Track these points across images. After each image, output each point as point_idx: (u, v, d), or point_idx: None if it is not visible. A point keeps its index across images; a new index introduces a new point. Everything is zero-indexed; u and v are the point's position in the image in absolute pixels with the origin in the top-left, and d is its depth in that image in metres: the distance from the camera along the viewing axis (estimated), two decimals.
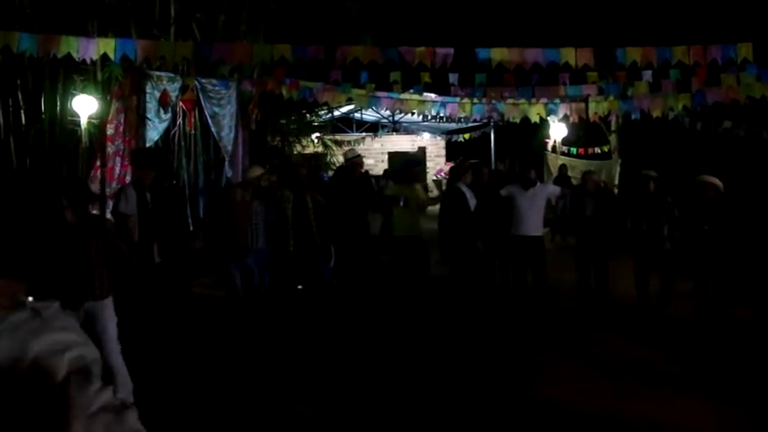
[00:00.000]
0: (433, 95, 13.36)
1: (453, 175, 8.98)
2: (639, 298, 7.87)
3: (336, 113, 21.43)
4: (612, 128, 19.48)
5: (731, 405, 5.11)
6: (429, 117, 21.49)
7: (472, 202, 8.20)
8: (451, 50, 8.58)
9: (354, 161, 9.13)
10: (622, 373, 5.90)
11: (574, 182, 13.51)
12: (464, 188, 8.25)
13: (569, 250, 9.48)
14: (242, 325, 7.38)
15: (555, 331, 7.35)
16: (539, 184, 8.58)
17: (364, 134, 24.34)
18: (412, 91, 12.44)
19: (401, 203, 8.32)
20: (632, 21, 21.02)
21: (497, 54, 8.71)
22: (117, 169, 10.02)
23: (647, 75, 10.68)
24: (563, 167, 16.04)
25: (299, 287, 9.02)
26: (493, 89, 11.14)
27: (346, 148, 17.62)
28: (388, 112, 23.23)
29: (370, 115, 24.06)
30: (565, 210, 12.09)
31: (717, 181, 7.45)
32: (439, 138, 27.05)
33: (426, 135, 26.73)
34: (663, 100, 11.51)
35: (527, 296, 8.23)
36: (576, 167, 17.17)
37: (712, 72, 10.52)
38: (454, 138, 26.36)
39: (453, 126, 25.19)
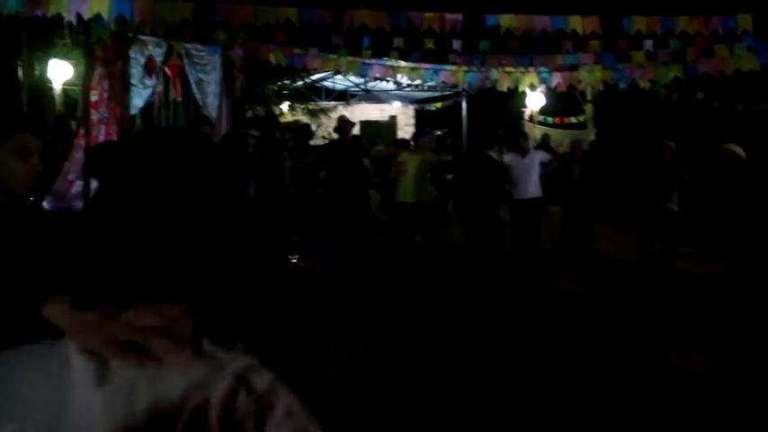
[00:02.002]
0: (402, 63, 13.13)
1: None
2: (643, 259, 8.36)
3: (306, 81, 20.94)
4: (588, 98, 19.57)
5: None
6: (403, 85, 21.32)
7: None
8: (460, 16, 8.39)
9: (343, 118, 9.08)
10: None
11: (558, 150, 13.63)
12: (497, 156, 8.40)
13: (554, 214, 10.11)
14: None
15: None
16: (532, 150, 9.39)
17: (334, 102, 23.84)
18: (386, 59, 12.24)
19: (402, 170, 8.23)
20: None
21: (506, 21, 8.56)
22: (102, 138, 9.61)
23: (648, 44, 10.61)
24: (546, 137, 16.05)
25: (294, 259, 8.85)
26: (492, 56, 11.00)
27: (324, 117, 17.39)
28: (359, 80, 22.87)
29: (339, 83, 23.64)
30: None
31: (739, 149, 7.59)
32: (410, 106, 26.77)
33: (397, 104, 26.41)
34: (655, 70, 11.49)
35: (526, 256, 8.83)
36: (555, 137, 17.26)
37: (708, 43, 10.57)
38: (426, 107, 26.12)
39: (424, 95, 24.92)
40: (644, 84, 12.23)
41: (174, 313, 0.82)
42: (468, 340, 5.98)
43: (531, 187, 8.85)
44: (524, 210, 8.78)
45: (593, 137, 19.00)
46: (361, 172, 9.01)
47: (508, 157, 8.88)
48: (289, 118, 16.60)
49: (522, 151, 8.94)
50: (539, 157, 9.24)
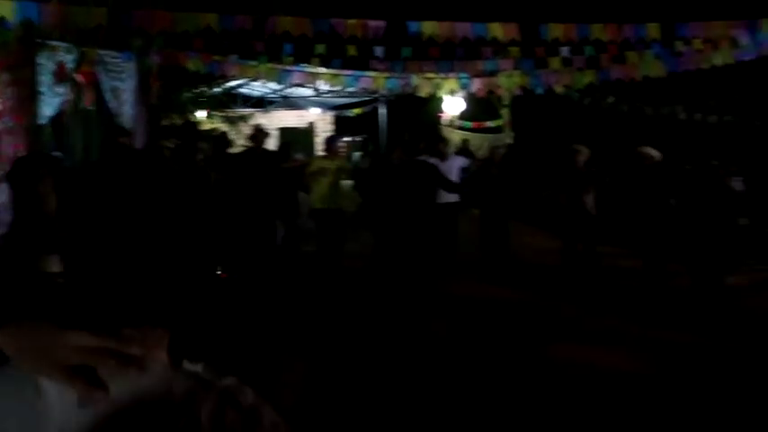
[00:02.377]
0: (323, 69, 13.07)
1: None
2: (565, 261, 8.63)
3: (224, 88, 20.52)
4: (505, 102, 19.94)
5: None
6: (322, 91, 21.18)
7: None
8: (383, 23, 8.38)
9: (258, 127, 8.96)
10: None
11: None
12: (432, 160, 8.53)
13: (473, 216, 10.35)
14: None
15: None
16: (452, 155, 9.60)
17: (252, 109, 23.46)
18: (305, 65, 12.16)
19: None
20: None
21: (428, 28, 8.60)
22: (6, 149, 9.11)
23: (565, 51, 10.91)
24: (465, 142, 16.25)
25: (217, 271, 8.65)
26: (413, 63, 11.05)
27: (242, 125, 17.07)
28: (277, 87, 22.59)
29: (257, 90, 23.31)
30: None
31: (654, 152, 7.94)
32: (328, 113, 26.65)
33: (315, 110, 26.24)
34: (571, 75, 11.82)
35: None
36: (473, 141, 17.51)
37: (620, 50, 10.96)
38: (344, 113, 26.06)
39: (343, 101, 24.85)
40: (559, 89, 12.58)
41: (134, 334, 0.81)
42: (381, 347, 6.04)
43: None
44: (442, 213, 8.87)
45: (509, 140, 19.42)
46: (283, 178, 8.90)
47: (432, 160, 8.90)
48: (206, 126, 16.22)
49: (443, 156, 9.07)
50: (458, 162, 9.45)
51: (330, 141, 9.26)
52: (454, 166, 9.15)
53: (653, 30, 9.30)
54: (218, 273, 8.63)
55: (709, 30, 9.68)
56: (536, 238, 10.75)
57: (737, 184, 8.77)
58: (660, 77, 11.58)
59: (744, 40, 10.07)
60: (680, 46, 10.68)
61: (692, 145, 16.79)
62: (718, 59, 10.91)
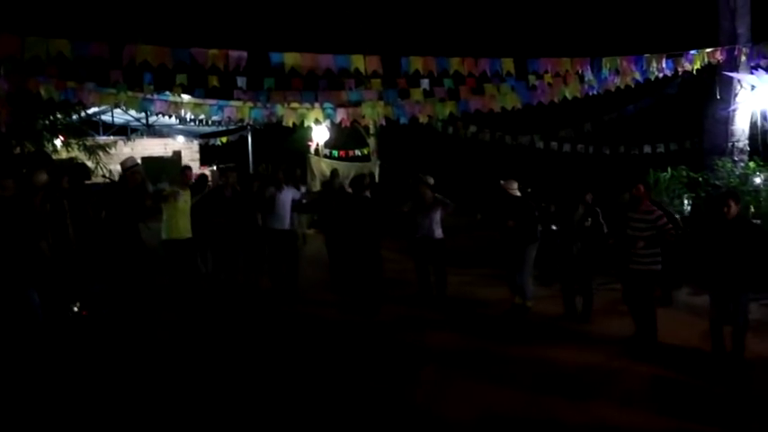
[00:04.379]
0: (186, 97, 12.87)
1: None
2: (420, 283, 9.20)
3: (82, 115, 19.63)
4: (371, 131, 20.33)
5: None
6: (187, 120, 20.76)
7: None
8: (245, 54, 8.33)
9: (134, 170, 8.51)
10: None
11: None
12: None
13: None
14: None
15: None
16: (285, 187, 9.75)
17: (114, 137, 22.55)
18: (168, 93, 11.94)
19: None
20: (413, 32, 22.48)
21: (290, 59, 8.63)
22: None
23: (425, 83, 11.28)
24: (335, 171, 16.33)
25: (75, 308, 8.26)
26: (277, 93, 11.04)
27: (103, 154, 16.37)
28: (140, 114, 21.93)
29: (119, 117, 22.53)
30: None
31: (515, 184, 8.72)
32: (194, 141, 26.11)
33: (180, 138, 25.65)
34: (433, 106, 12.23)
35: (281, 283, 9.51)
36: (342, 170, 17.67)
37: (478, 82, 11.47)
38: (211, 141, 25.65)
39: (209, 129, 24.46)
40: (423, 118, 12.97)
41: None
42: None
43: (283, 219, 9.48)
44: (277, 239, 9.46)
45: (377, 168, 19.79)
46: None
47: (269, 191, 9.44)
48: (63, 155, 15.46)
49: (280, 185, 9.51)
50: (291, 193, 9.78)
51: (182, 172, 9.32)
52: (288, 197, 9.61)
53: (507, 64, 9.79)
54: (78, 310, 8.24)
55: (558, 65, 10.32)
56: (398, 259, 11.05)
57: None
58: (517, 108, 12.23)
59: (588, 75, 10.82)
60: (533, 80, 11.34)
61: (550, 171, 17.88)
62: (568, 93, 11.68)
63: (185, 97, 12.26)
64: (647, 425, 5.05)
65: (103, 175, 14.86)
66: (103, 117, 22.45)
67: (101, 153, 15.95)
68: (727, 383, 5.95)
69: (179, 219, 8.64)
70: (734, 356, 6.30)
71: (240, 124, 21.85)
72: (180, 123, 22.56)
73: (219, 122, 21.32)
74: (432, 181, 9.28)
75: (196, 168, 25.31)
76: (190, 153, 26.26)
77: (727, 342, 6.36)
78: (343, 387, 5.91)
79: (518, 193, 8.85)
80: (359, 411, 5.35)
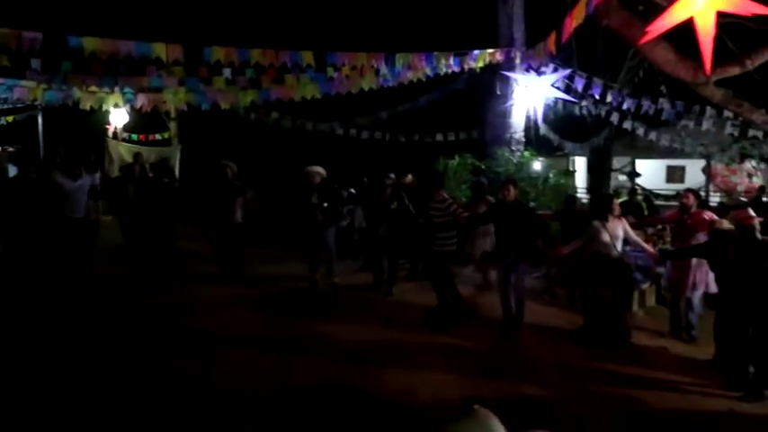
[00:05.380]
0: None
1: None
2: (219, 265, 10.15)
3: None
4: (172, 116, 20.00)
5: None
6: None
7: None
8: (40, 35, 8.15)
9: None
10: None
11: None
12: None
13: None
14: None
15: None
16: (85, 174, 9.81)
17: None
18: None
19: None
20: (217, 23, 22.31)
21: (90, 43, 8.56)
22: None
23: (227, 72, 11.53)
24: (138, 155, 15.99)
25: None
26: (75, 76, 10.71)
27: None
28: None
29: None
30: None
31: (321, 169, 9.64)
32: None
33: None
34: (235, 94, 12.48)
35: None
36: (145, 153, 17.33)
37: (278, 73, 11.89)
38: None
39: None
40: (225, 105, 13.15)
41: None
42: None
43: (80, 207, 9.52)
44: (74, 227, 9.46)
45: (178, 153, 19.60)
46: None
47: (59, 179, 9.38)
48: None
49: (75, 175, 9.49)
50: (89, 180, 9.85)
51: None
52: (86, 184, 9.65)
53: (307, 56, 10.32)
54: None
55: (355, 59, 11.02)
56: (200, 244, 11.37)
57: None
58: (317, 98, 12.82)
59: (383, 69, 11.65)
60: (331, 72, 11.98)
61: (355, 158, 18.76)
62: (365, 84, 12.46)
63: None
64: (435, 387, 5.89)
65: None
66: None
67: None
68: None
69: None
70: (517, 319, 7.56)
71: (30, 104, 20.52)
72: None
73: (4, 99, 19.90)
74: (234, 167, 9.78)
75: None
76: None
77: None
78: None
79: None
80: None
